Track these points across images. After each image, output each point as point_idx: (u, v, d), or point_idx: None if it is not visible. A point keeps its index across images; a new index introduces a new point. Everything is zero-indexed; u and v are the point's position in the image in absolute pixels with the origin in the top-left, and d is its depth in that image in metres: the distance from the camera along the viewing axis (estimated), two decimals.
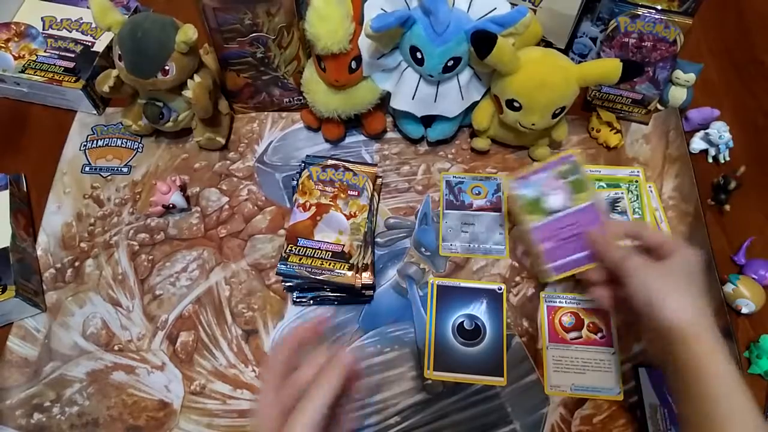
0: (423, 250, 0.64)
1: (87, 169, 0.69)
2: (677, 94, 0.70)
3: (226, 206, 0.67)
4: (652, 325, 0.45)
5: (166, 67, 0.60)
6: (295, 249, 0.58)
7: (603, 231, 0.52)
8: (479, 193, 0.67)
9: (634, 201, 0.65)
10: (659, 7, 0.63)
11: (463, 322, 0.59)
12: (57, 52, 0.73)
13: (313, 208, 0.61)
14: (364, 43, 0.60)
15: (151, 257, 0.64)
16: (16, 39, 0.74)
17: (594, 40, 0.70)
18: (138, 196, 0.68)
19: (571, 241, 0.54)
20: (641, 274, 0.46)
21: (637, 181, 0.66)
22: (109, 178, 0.69)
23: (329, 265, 0.57)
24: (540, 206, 0.54)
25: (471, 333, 0.59)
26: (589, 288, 0.54)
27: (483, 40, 0.55)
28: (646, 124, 0.72)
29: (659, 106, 0.72)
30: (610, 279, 0.52)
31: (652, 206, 0.65)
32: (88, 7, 0.75)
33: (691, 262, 0.46)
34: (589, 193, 0.54)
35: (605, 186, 0.67)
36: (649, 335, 0.48)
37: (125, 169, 0.69)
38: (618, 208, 0.65)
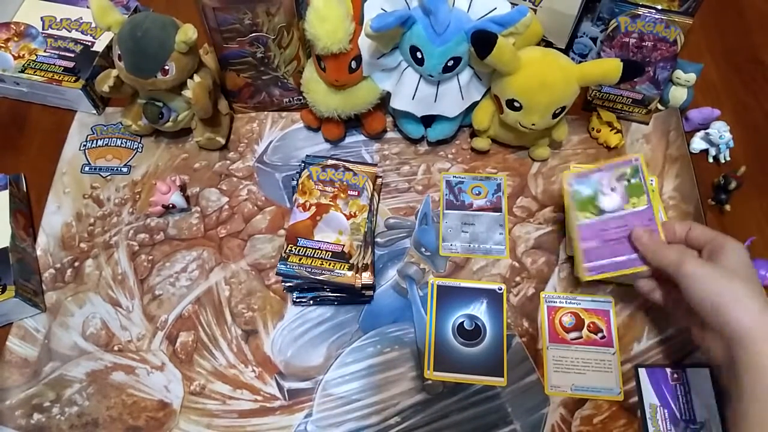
0: (423, 250, 0.64)
1: (87, 169, 0.69)
2: (678, 94, 0.70)
3: (226, 206, 0.67)
4: (718, 328, 0.45)
5: (166, 67, 0.60)
6: (295, 249, 0.58)
7: (652, 233, 0.50)
8: (479, 193, 0.67)
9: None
10: (659, 7, 0.63)
11: (463, 322, 0.59)
12: (57, 52, 0.73)
13: (313, 208, 0.61)
14: (364, 43, 0.59)
15: (150, 257, 0.64)
16: (15, 39, 0.74)
17: (594, 40, 0.70)
18: (138, 196, 0.67)
19: (617, 243, 0.52)
20: (706, 280, 0.45)
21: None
22: (108, 178, 0.69)
23: (329, 265, 0.57)
24: (593, 204, 0.54)
25: (471, 333, 0.59)
26: (639, 283, 0.53)
27: (483, 40, 0.54)
28: (647, 124, 0.72)
29: (659, 106, 0.72)
30: (659, 277, 0.52)
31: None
32: (87, 7, 0.75)
33: (744, 255, 0.46)
34: (645, 199, 0.53)
35: None
36: (709, 338, 0.47)
37: (125, 169, 0.69)
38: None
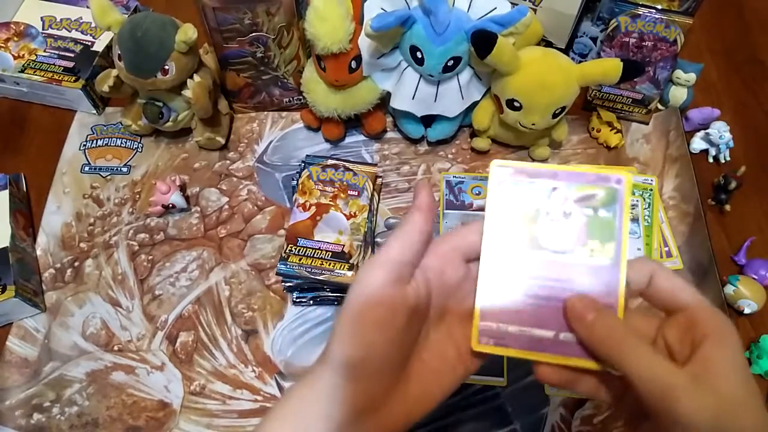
0: None
1: (86, 168, 0.69)
2: (678, 94, 0.70)
3: (226, 206, 0.67)
4: None
5: (166, 67, 0.60)
6: (295, 249, 0.58)
7: (604, 313, 0.30)
8: (479, 193, 0.67)
9: (646, 209, 0.65)
10: (659, 7, 0.63)
11: None
12: (56, 52, 0.73)
13: (313, 208, 0.61)
14: (364, 43, 0.59)
15: (150, 257, 0.64)
16: (15, 38, 0.74)
17: (594, 39, 0.70)
18: (138, 196, 0.67)
19: (546, 306, 0.32)
20: (687, 411, 0.26)
21: (651, 190, 0.66)
22: (108, 177, 0.69)
23: (329, 265, 0.57)
24: (527, 227, 0.33)
25: None
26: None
27: (483, 40, 0.54)
28: (647, 123, 0.72)
29: (659, 106, 0.72)
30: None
31: (659, 219, 0.65)
32: (87, 7, 0.75)
33: (739, 353, 0.28)
34: (612, 249, 0.31)
35: None
36: None
37: (125, 169, 0.69)
38: (631, 214, 0.64)
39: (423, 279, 0.32)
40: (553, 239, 0.32)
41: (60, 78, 0.70)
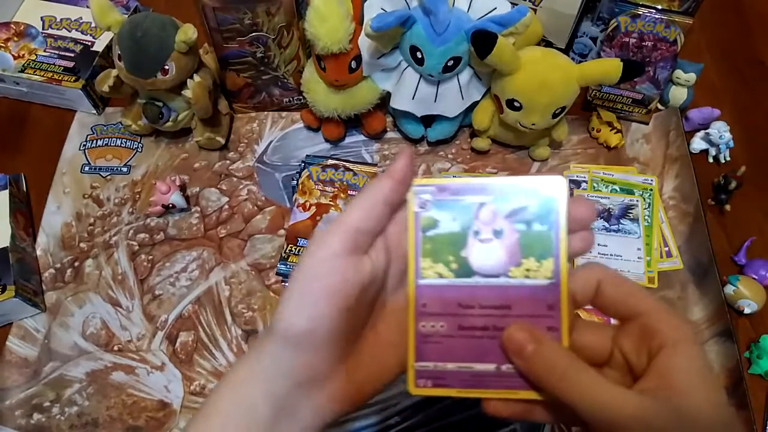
0: None
1: (86, 168, 0.69)
2: (677, 94, 0.70)
3: (226, 206, 0.67)
4: None
5: (166, 67, 0.60)
6: (295, 249, 0.58)
7: (545, 343, 0.28)
8: None
9: (646, 209, 0.65)
10: (659, 7, 0.63)
11: None
12: (56, 52, 0.73)
13: (313, 208, 0.61)
14: (364, 43, 0.59)
15: (150, 257, 0.64)
16: (15, 38, 0.74)
17: (594, 39, 0.70)
18: (137, 196, 0.67)
19: (485, 337, 0.29)
20: None
21: (651, 190, 0.66)
22: (108, 177, 0.69)
23: None
24: (455, 252, 0.29)
25: None
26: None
27: (483, 40, 0.54)
28: (647, 123, 0.72)
29: (659, 106, 0.72)
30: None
31: (659, 219, 0.65)
32: (87, 7, 0.75)
33: (701, 360, 0.26)
34: (550, 266, 0.29)
35: (618, 190, 0.66)
36: None
37: (125, 169, 0.69)
38: (630, 214, 0.64)
39: (383, 247, 0.30)
40: (485, 262, 0.29)
41: (60, 78, 0.70)
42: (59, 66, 0.71)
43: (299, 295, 0.28)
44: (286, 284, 0.30)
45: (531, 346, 0.27)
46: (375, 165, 0.67)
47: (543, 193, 0.29)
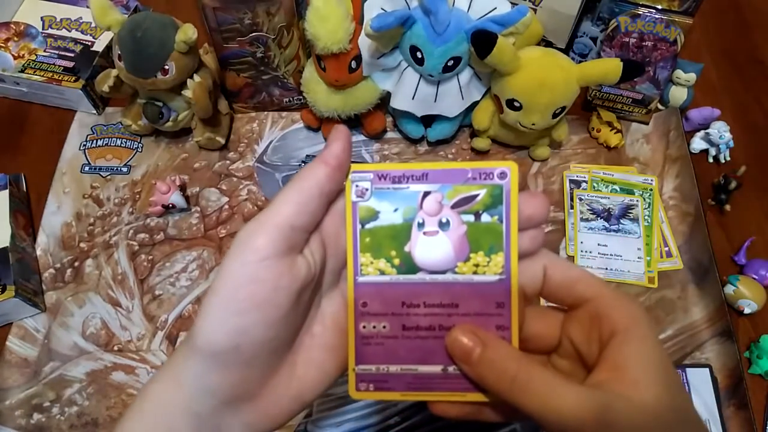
0: None
1: (86, 168, 0.69)
2: (678, 94, 0.70)
3: (226, 206, 0.67)
4: None
5: (166, 67, 0.60)
6: None
7: (492, 345, 0.26)
8: None
9: (646, 209, 0.65)
10: (659, 7, 0.63)
11: None
12: (56, 52, 0.73)
13: None
14: (364, 43, 0.59)
15: (150, 257, 0.64)
16: (15, 38, 0.74)
17: (594, 39, 0.70)
18: (137, 196, 0.67)
19: (429, 338, 0.27)
20: None
21: (651, 190, 0.66)
22: (108, 177, 0.69)
23: None
24: (398, 247, 0.27)
25: None
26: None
27: (483, 40, 0.54)
28: (647, 123, 0.72)
29: (660, 106, 0.72)
30: None
31: (659, 220, 0.65)
32: (87, 7, 0.75)
33: (657, 352, 0.25)
34: (500, 261, 0.27)
35: (618, 190, 0.66)
36: None
37: (125, 169, 0.69)
38: (630, 214, 0.64)
39: (318, 243, 0.27)
40: (430, 257, 0.27)
41: (60, 78, 0.70)
42: (59, 66, 0.71)
43: (221, 306, 0.24)
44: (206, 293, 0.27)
45: (477, 350, 0.26)
46: None
47: (492, 181, 0.26)
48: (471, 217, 0.27)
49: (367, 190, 0.27)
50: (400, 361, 0.27)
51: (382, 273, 0.27)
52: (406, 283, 0.27)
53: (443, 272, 0.27)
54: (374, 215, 0.27)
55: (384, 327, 0.27)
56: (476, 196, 0.26)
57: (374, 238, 0.27)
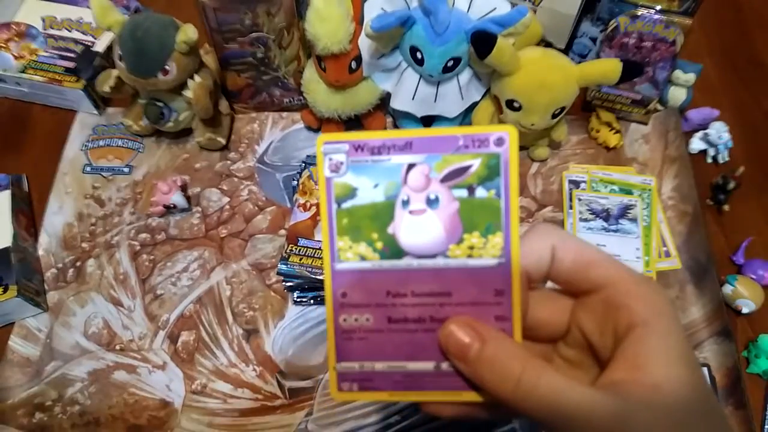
0: None
1: (88, 169, 0.70)
2: (677, 95, 0.70)
3: (227, 206, 0.67)
4: None
5: (167, 67, 0.60)
6: (296, 249, 0.58)
7: (492, 341, 0.23)
8: None
9: (645, 209, 0.65)
10: (659, 7, 0.63)
11: None
12: (57, 52, 0.73)
13: (314, 208, 0.61)
14: (364, 43, 0.60)
15: (152, 257, 0.64)
16: (16, 39, 0.74)
17: (594, 40, 0.70)
18: (139, 196, 0.68)
19: (419, 331, 0.24)
20: None
21: (650, 190, 0.66)
22: (110, 178, 0.69)
23: None
24: (380, 229, 0.24)
25: None
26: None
27: (483, 41, 0.55)
28: (646, 124, 0.72)
29: (659, 107, 0.72)
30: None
31: (657, 220, 0.65)
32: (88, 7, 0.75)
33: (679, 341, 0.22)
34: (499, 242, 0.23)
35: (617, 191, 0.66)
36: None
37: (126, 169, 0.70)
38: (629, 215, 0.64)
39: None
40: (418, 239, 0.23)
41: (61, 78, 0.71)
42: (60, 66, 0.72)
43: None
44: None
45: (475, 346, 0.22)
46: None
47: (488, 149, 0.22)
48: (464, 192, 0.23)
49: (342, 163, 0.23)
50: (386, 357, 0.24)
51: (363, 259, 0.24)
52: (391, 269, 0.24)
53: (433, 256, 0.23)
54: (351, 193, 0.23)
55: (367, 320, 0.24)
56: (469, 167, 0.23)
57: (352, 219, 0.23)
